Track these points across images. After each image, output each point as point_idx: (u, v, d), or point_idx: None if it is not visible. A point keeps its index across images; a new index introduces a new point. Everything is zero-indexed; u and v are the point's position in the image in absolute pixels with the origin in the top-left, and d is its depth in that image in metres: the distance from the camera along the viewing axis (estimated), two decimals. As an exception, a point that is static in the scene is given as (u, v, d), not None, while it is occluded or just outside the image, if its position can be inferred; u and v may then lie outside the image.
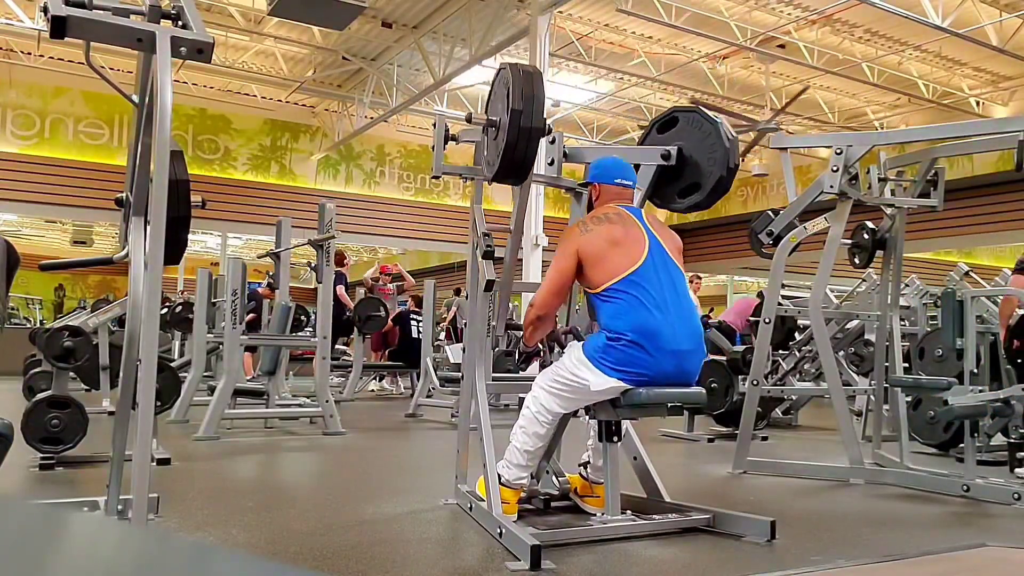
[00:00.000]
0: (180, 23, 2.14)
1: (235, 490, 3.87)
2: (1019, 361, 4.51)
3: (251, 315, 8.25)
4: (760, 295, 8.09)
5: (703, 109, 3.47)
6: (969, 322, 4.01)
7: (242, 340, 5.93)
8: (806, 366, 6.53)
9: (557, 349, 3.35)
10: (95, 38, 2.04)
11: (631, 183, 3.17)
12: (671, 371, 2.81)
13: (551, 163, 3.52)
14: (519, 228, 3.33)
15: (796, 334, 6.59)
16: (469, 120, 3.05)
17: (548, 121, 2.90)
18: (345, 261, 10.01)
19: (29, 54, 12.30)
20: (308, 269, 7.13)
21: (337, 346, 9.42)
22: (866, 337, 6.06)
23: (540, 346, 3.31)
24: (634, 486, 3.24)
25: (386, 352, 9.97)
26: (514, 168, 2.87)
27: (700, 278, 10.81)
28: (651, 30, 10.84)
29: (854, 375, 6.46)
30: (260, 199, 14.03)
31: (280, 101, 14.41)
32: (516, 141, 2.79)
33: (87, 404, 4.16)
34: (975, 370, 4.02)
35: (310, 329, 9.08)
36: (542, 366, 3.26)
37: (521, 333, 3.23)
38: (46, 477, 3.81)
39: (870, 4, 9.00)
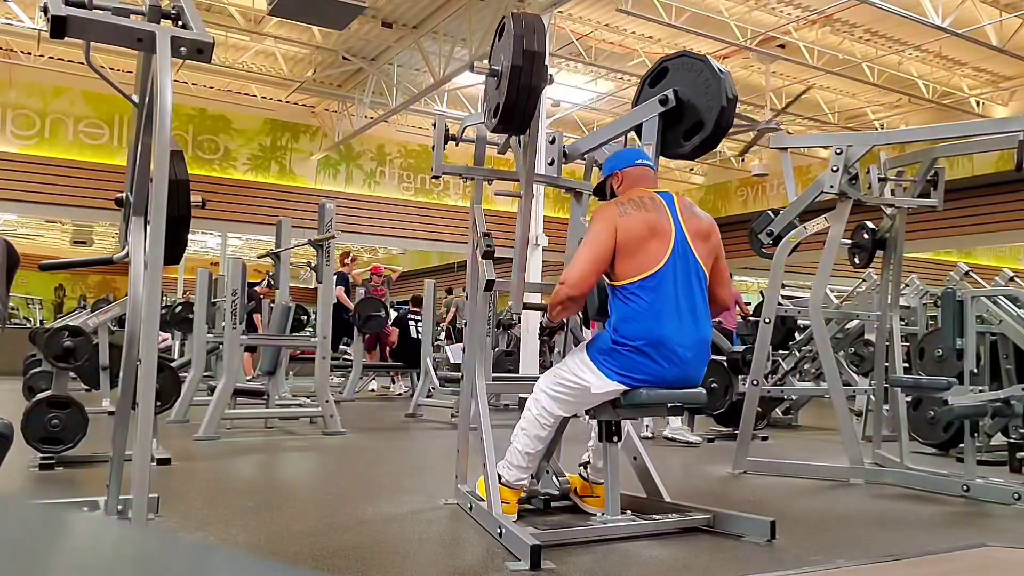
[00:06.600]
0: (180, 23, 2.14)
1: (235, 490, 3.87)
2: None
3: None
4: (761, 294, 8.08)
5: (690, 52, 3.40)
6: (969, 322, 4.01)
7: (242, 340, 5.93)
8: (806, 366, 6.53)
9: (557, 350, 3.35)
10: (95, 38, 2.04)
11: (651, 163, 3.08)
12: (674, 378, 2.81)
13: (551, 163, 3.51)
14: (529, 192, 3.29)
15: (796, 334, 6.59)
16: (472, 69, 3.09)
17: (550, 72, 2.94)
18: (345, 261, 9.97)
19: (29, 54, 12.28)
20: (308, 269, 7.12)
21: (341, 346, 9.40)
22: (866, 337, 6.06)
23: (565, 322, 3.25)
24: (634, 486, 3.24)
25: (384, 352, 9.96)
26: (514, 120, 2.95)
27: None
28: (651, 30, 10.84)
29: (854, 375, 6.46)
30: (260, 199, 14.01)
31: (280, 101, 14.39)
32: (516, 97, 2.85)
33: (87, 404, 4.16)
34: (975, 370, 4.02)
35: (310, 329, 9.08)
36: (542, 367, 3.25)
37: (543, 315, 3.13)
38: (46, 477, 3.81)
39: (870, 4, 8.99)
